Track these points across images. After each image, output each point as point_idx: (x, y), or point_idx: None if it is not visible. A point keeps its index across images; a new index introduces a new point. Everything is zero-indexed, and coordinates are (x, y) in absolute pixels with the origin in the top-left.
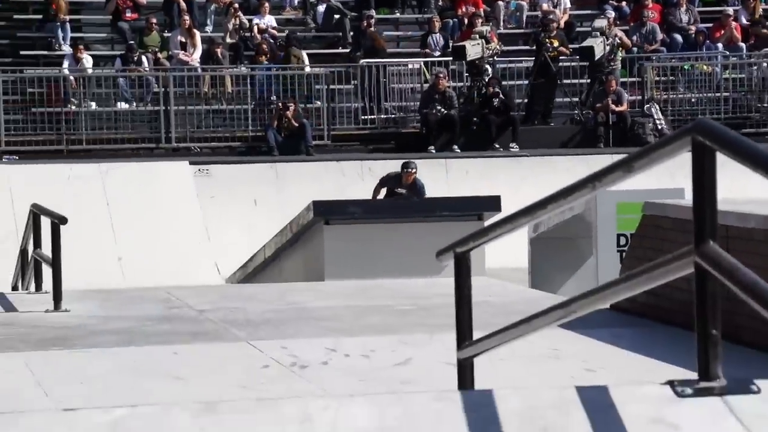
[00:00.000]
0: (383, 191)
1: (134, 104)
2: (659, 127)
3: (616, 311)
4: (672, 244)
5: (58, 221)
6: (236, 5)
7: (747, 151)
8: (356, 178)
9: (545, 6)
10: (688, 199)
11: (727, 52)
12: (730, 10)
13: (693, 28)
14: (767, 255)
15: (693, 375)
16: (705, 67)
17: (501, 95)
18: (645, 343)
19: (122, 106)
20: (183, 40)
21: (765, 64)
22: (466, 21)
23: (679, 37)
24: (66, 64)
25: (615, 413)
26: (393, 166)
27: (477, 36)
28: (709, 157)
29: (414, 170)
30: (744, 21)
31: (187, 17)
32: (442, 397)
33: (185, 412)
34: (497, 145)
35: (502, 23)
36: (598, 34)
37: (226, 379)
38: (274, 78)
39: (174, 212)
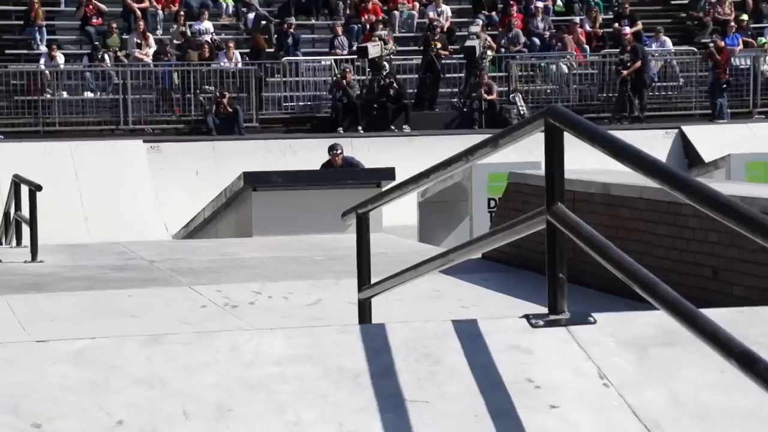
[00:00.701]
0: None
1: (98, 93)
2: (521, 112)
3: (487, 260)
4: (531, 206)
5: (34, 189)
6: (181, 13)
7: (587, 130)
8: (279, 154)
9: (431, 14)
10: (542, 170)
11: (574, 53)
12: (577, 18)
13: (548, 33)
14: (604, 214)
15: (544, 310)
16: (557, 64)
17: (396, 86)
18: (509, 285)
19: (88, 95)
20: (138, 41)
21: (605, 62)
22: (368, 26)
23: (537, 40)
24: (42, 60)
25: (482, 341)
26: (310, 144)
27: (377, 38)
28: (558, 136)
29: (339, 151)
30: (588, 28)
31: (141, 23)
32: (344, 330)
33: (135, 343)
34: (393, 127)
35: (397, 28)
36: (475, 36)
37: (172, 316)
38: (213, 72)
39: (131, 182)
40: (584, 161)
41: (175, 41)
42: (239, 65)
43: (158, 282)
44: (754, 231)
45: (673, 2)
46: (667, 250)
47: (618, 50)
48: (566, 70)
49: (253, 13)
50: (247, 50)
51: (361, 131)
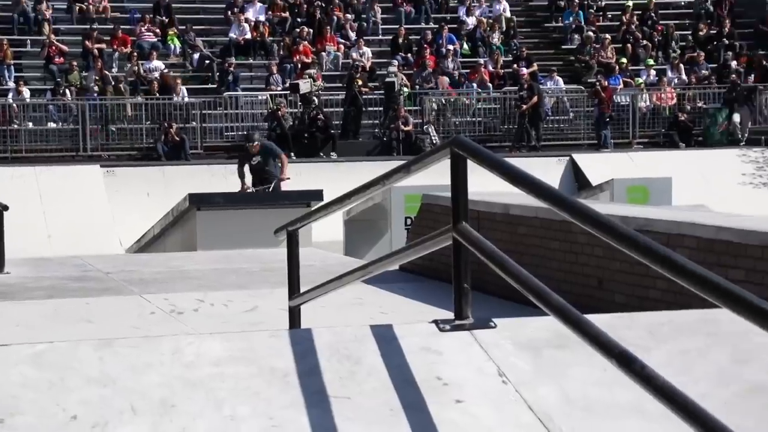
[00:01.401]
0: (246, 167)
1: (60, 124)
2: (434, 141)
3: (403, 271)
4: (440, 224)
5: (1, 209)
6: (134, 53)
7: (487, 158)
8: (221, 177)
9: (354, 55)
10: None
11: (479, 90)
12: (482, 60)
13: (457, 72)
14: (504, 231)
15: (452, 316)
16: (464, 99)
17: (323, 118)
18: (422, 293)
19: (51, 125)
20: (96, 78)
21: (504, 98)
22: (299, 66)
23: (447, 79)
24: (10, 95)
25: (397, 343)
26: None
27: (307, 76)
28: (462, 163)
29: (254, 143)
30: (491, 68)
31: (99, 62)
32: (276, 334)
33: (89, 347)
34: (321, 154)
35: (324, 67)
36: (393, 75)
37: (123, 322)
38: (161, 105)
39: (89, 202)
40: (489, 184)
41: (128, 78)
42: (185, 99)
43: (112, 291)
44: (630, 247)
45: (563, 47)
46: (558, 263)
47: (517, 88)
48: (472, 105)
49: (198, 54)
50: (194, 86)
51: (293, 157)
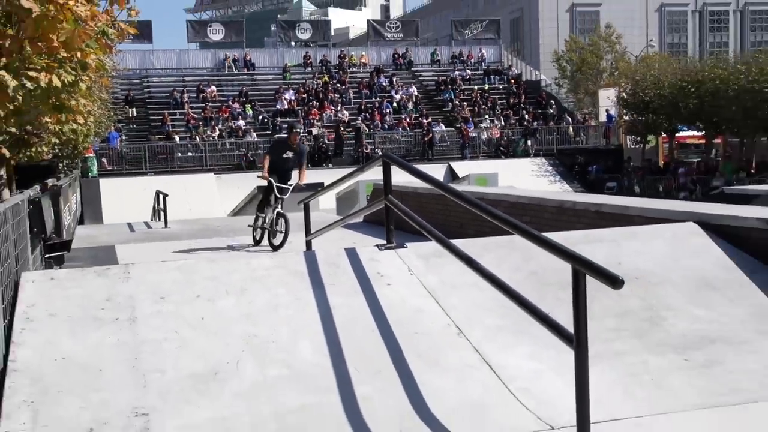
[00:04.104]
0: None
1: (194, 153)
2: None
3: (365, 221)
4: (380, 197)
5: (165, 195)
6: (229, 117)
7: (401, 164)
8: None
9: (339, 115)
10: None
11: (402, 130)
12: (403, 116)
13: (391, 122)
14: (413, 200)
15: (384, 242)
16: (396, 136)
17: (325, 146)
18: (372, 232)
19: (189, 154)
20: (211, 131)
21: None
22: (313, 120)
23: (386, 125)
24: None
25: (358, 257)
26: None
27: (318, 126)
28: (387, 166)
29: (298, 131)
30: (407, 120)
31: (213, 122)
32: (298, 253)
33: (204, 261)
34: (323, 165)
35: (324, 121)
36: (359, 124)
37: (221, 249)
38: (242, 143)
39: (208, 191)
40: (404, 178)
41: (224, 130)
42: (255, 139)
43: (220, 234)
44: (472, 206)
45: (444, 108)
46: (439, 216)
47: (421, 130)
48: (399, 139)
49: (261, 115)
50: (260, 132)
51: (310, 167)
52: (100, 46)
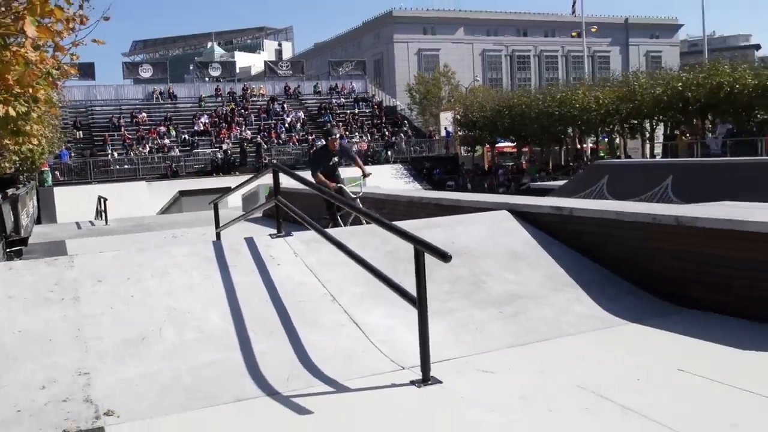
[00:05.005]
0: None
1: (128, 165)
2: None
3: (264, 216)
4: (272, 197)
5: (104, 199)
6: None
7: (286, 171)
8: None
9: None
10: (284, 186)
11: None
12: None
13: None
14: (299, 198)
15: (275, 232)
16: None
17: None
18: (269, 224)
19: (126, 166)
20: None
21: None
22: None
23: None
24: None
25: (255, 244)
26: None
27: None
28: (276, 174)
29: (336, 136)
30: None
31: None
32: (208, 243)
33: (135, 251)
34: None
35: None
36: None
37: (151, 241)
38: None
39: (140, 195)
40: (290, 182)
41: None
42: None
43: (148, 229)
44: (333, 200)
45: (324, 128)
46: (314, 210)
47: (308, 144)
48: (290, 150)
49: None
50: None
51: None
52: (47, 84)
